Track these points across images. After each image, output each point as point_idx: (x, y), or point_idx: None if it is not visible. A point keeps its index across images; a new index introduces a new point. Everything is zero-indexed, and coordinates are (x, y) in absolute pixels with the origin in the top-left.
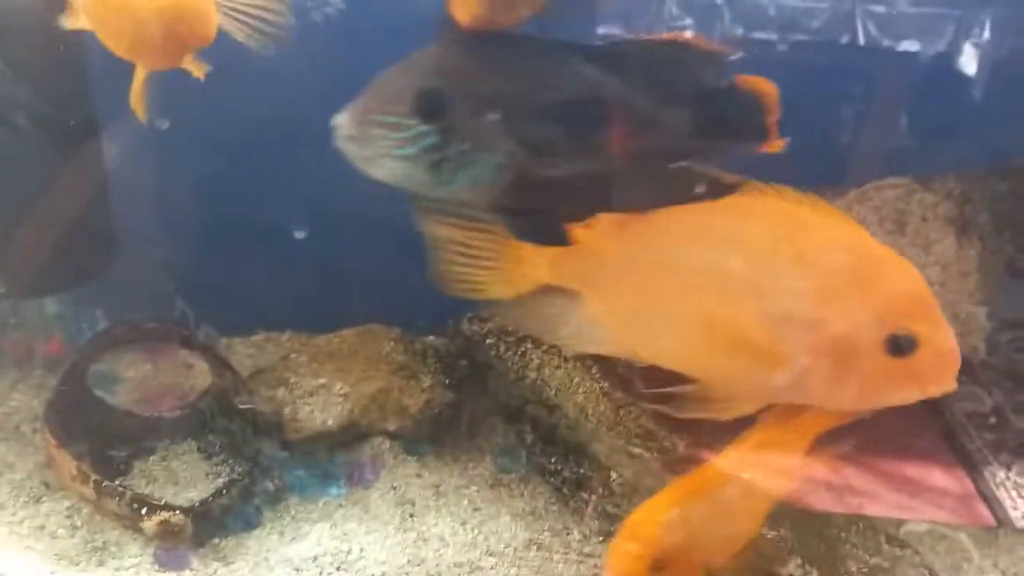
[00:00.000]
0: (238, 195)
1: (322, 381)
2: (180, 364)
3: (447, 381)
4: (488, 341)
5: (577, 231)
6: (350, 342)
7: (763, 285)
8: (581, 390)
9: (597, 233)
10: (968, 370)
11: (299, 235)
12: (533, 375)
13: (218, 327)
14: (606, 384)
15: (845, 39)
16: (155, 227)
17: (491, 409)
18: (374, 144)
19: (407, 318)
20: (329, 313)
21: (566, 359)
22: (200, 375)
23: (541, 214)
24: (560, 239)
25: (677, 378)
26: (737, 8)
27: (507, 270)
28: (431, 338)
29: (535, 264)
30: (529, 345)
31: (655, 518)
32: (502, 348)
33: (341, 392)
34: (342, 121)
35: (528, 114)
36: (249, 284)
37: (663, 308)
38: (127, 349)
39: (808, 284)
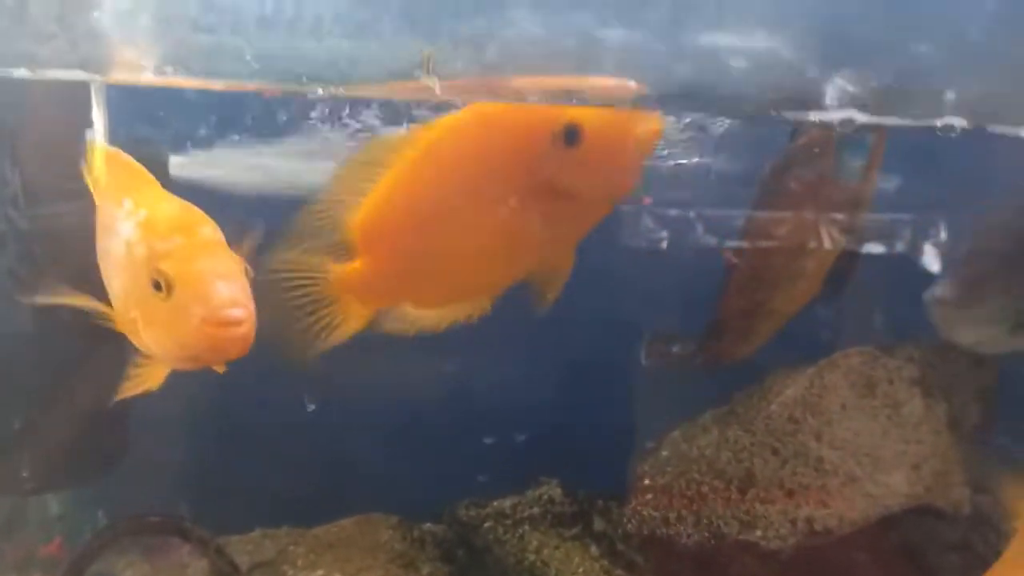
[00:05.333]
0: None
1: (320, 573)
2: (177, 564)
3: (446, 569)
4: (486, 525)
5: None
6: (348, 531)
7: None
8: (581, 569)
9: None
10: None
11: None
12: (532, 557)
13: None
14: (606, 561)
15: None
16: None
17: None
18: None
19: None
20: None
21: (564, 538)
22: (197, 574)
23: None
24: None
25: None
26: None
27: None
28: (428, 525)
29: None
30: (527, 527)
31: None
32: (500, 531)
33: None
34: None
35: None
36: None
37: None
38: (126, 547)
39: None
